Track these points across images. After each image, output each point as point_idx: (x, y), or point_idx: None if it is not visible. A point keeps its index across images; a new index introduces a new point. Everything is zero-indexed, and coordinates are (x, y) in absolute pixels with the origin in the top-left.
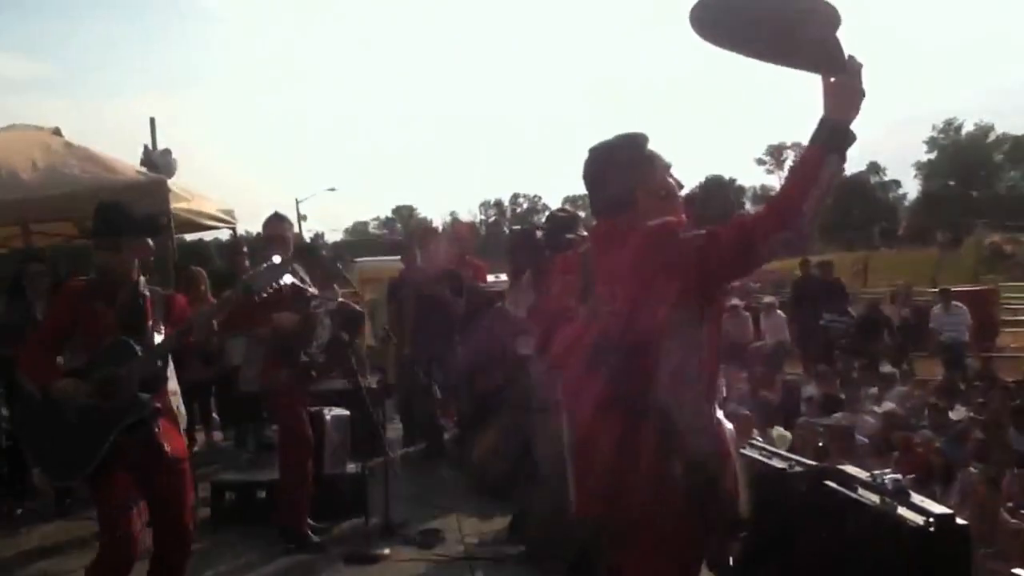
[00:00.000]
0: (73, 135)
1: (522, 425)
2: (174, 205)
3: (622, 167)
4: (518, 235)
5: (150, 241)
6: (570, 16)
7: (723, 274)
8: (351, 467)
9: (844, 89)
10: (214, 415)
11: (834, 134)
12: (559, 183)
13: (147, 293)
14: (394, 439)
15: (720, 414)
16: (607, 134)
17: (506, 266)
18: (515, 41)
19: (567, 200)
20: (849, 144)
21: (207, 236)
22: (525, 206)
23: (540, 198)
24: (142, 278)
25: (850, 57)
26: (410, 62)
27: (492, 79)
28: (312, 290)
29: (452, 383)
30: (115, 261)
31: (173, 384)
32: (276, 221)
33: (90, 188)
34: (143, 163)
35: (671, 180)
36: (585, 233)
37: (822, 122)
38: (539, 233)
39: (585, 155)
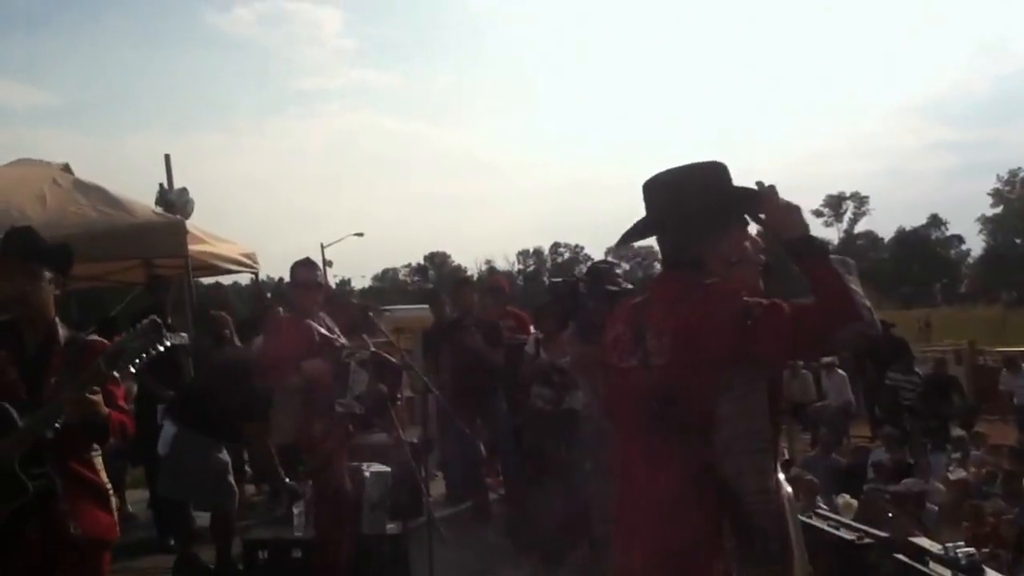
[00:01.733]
0: (84, 171)
1: (576, 485)
2: (192, 247)
3: (692, 221)
4: (560, 286)
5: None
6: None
7: (786, 353)
8: (391, 527)
9: (775, 215)
10: (246, 467)
11: (806, 247)
12: (603, 232)
13: (60, 340)
14: (436, 498)
15: (781, 478)
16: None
17: (541, 316)
18: (556, 84)
19: (610, 251)
20: (823, 244)
21: (225, 279)
22: (567, 256)
23: (582, 248)
24: (56, 320)
25: (758, 185)
26: (443, 99)
27: (533, 121)
28: (341, 340)
29: (497, 440)
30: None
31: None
32: (306, 267)
33: (102, 228)
34: (158, 202)
35: (747, 243)
36: (628, 285)
37: (788, 245)
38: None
39: (649, 184)
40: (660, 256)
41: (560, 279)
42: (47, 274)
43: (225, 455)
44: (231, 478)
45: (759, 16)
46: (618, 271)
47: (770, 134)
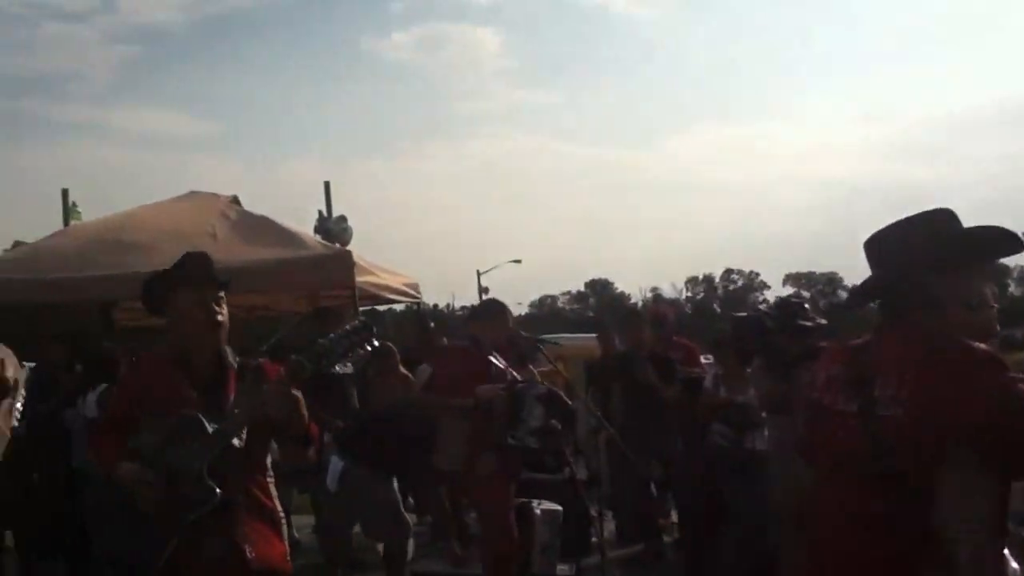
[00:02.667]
0: (244, 199)
1: (759, 531)
2: (359, 279)
3: (924, 263)
4: (746, 321)
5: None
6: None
7: None
8: (562, 568)
9: None
10: (408, 497)
11: None
12: (780, 258)
13: (231, 362)
14: (606, 538)
15: (1007, 553)
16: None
17: (721, 351)
18: (724, 99)
19: (789, 277)
20: None
21: (379, 306)
22: (740, 283)
23: (757, 274)
24: (226, 346)
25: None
26: (604, 118)
27: (701, 139)
28: (514, 374)
29: (670, 479)
30: (171, 324)
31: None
32: (491, 303)
33: (272, 261)
34: (316, 230)
35: (987, 289)
36: (822, 321)
37: None
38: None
39: (872, 240)
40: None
41: (744, 313)
42: (175, 299)
43: (395, 489)
44: (403, 513)
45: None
46: (806, 304)
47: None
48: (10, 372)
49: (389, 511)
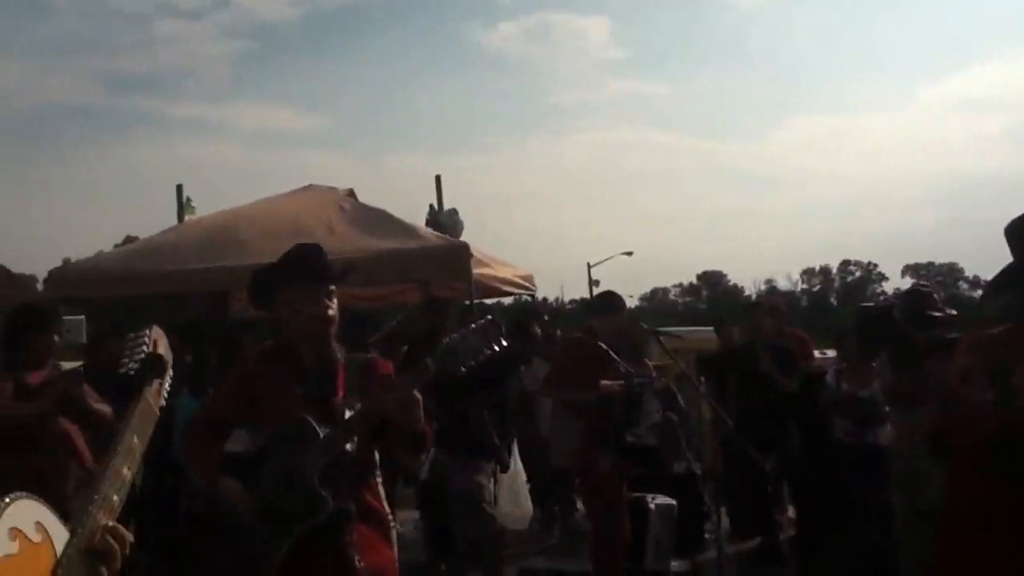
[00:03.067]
0: (357, 193)
1: (883, 529)
2: (475, 271)
3: None
4: (872, 312)
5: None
6: None
7: None
8: (676, 564)
9: None
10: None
11: None
12: (900, 249)
13: (339, 357)
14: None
15: None
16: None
17: (839, 343)
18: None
19: (908, 268)
20: None
21: (488, 299)
22: (857, 275)
23: (876, 266)
24: (332, 341)
25: None
26: (714, 108)
27: (819, 127)
28: (627, 367)
29: (787, 474)
30: (278, 320)
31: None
32: (609, 296)
33: (388, 253)
34: (428, 223)
35: None
36: (952, 311)
37: None
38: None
39: (1012, 227)
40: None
41: (871, 303)
42: (285, 294)
43: (485, 479)
44: (486, 504)
45: None
46: (935, 294)
47: None
48: (162, 350)
49: (466, 501)
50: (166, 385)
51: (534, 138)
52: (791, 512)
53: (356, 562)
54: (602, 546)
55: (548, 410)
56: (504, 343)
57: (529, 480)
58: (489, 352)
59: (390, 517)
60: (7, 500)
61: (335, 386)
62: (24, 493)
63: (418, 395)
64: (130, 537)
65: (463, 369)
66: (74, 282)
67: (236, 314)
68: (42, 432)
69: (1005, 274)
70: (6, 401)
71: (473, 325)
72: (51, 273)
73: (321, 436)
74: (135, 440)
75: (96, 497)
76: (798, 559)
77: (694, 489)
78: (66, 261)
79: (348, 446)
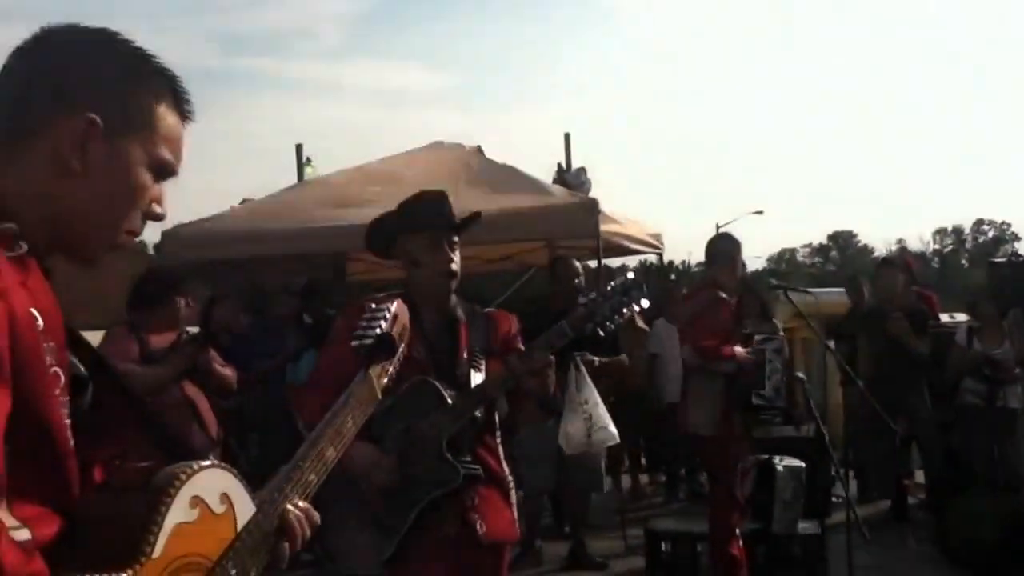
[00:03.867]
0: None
1: (1015, 493)
2: (603, 227)
3: None
4: (1005, 266)
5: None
6: None
7: None
8: (803, 526)
9: None
10: (641, 458)
11: None
12: None
13: (460, 315)
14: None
15: None
16: None
17: (972, 303)
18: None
19: None
20: None
21: (616, 260)
22: (991, 234)
23: (1009, 225)
24: (453, 296)
25: None
26: (852, 60)
27: (951, 77)
28: (751, 326)
29: (918, 437)
30: (411, 272)
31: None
32: (725, 240)
33: (514, 209)
34: (555, 183)
35: None
36: None
37: None
38: None
39: None
40: None
41: (1004, 258)
42: (405, 242)
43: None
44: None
45: None
46: None
47: None
48: (399, 329)
49: (541, 458)
50: (392, 369)
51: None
52: (920, 476)
53: (479, 527)
54: (720, 507)
55: (671, 373)
56: (647, 303)
57: (651, 444)
58: (628, 313)
59: (510, 478)
60: (195, 467)
61: (458, 345)
62: (217, 462)
63: (552, 358)
64: (317, 520)
65: (601, 333)
66: (189, 243)
67: (355, 276)
68: (167, 396)
69: None
70: (133, 363)
71: (613, 284)
72: (164, 234)
73: (449, 400)
74: (349, 423)
75: (293, 475)
76: (928, 523)
77: (823, 452)
78: (179, 225)
79: (477, 412)
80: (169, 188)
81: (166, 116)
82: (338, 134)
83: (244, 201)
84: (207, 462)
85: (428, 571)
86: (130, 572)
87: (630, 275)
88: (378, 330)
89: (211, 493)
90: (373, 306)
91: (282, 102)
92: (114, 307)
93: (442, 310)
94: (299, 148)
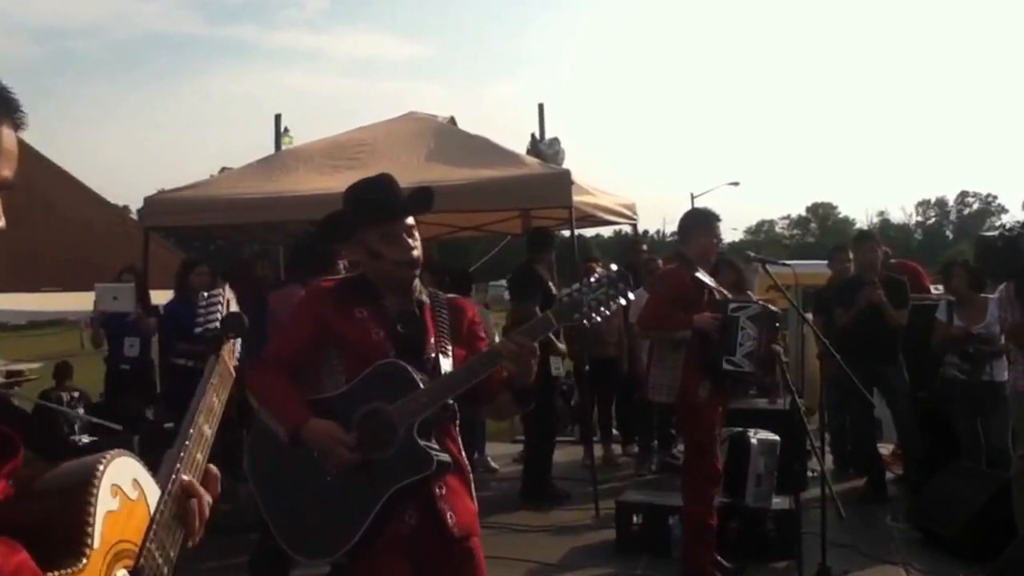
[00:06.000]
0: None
1: (994, 468)
2: (577, 198)
3: None
4: (994, 240)
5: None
6: None
7: None
8: (777, 501)
9: None
10: (614, 429)
11: None
12: (1018, 180)
13: (425, 299)
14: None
15: None
16: None
17: (949, 276)
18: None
19: None
20: None
21: (590, 229)
22: (975, 206)
23: (995, 197)
24: (416, 280)
25: None
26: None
27: (934, 50)
28: (726, 293)
29: (895, 411)
30: (371, 264)
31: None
32: (709, 219)
33: (489, 179)
34: (529, 152)
35: None
36: None
37: None
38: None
39: None
40: None
41: (994, 232)
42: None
43: None
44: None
45: None
46: None
47: None
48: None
49: None
50: (239, 344)
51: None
52: (897, 450)
53: (449, 518)
54: (695, 478)
55: (646, 343)
56: (632, 296)
57: (623, 414)
58: (614, 305)
59: (469, 468)
60: (108, 457)
61: (425, 329)
62: (122, 450)
63: (536, 348)
64: (208, 498)
65: (587, 323)
66: (169, 210)
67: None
68: None
69: None
70: None
71: (596, 276)
72: (147, 200)
73: (420, 384)
74: (215, 399)
75: (182, 455)
76: (904, 499)
77: (798, 425)
78: (161, 191)
79: (452, 396)
80: (153, 157)
81: (8, 136)
82: (317, 104)
83: (223, 170)
84: (114, 451)
85: (394, 564)
86: (82, 564)
87: (613, 267)
88: (218, 313)
89: (125, 480)
90: (206, 295)
91: (264, 71)
92: (98, 266)
93: (405, 296)
94: (278, 118)
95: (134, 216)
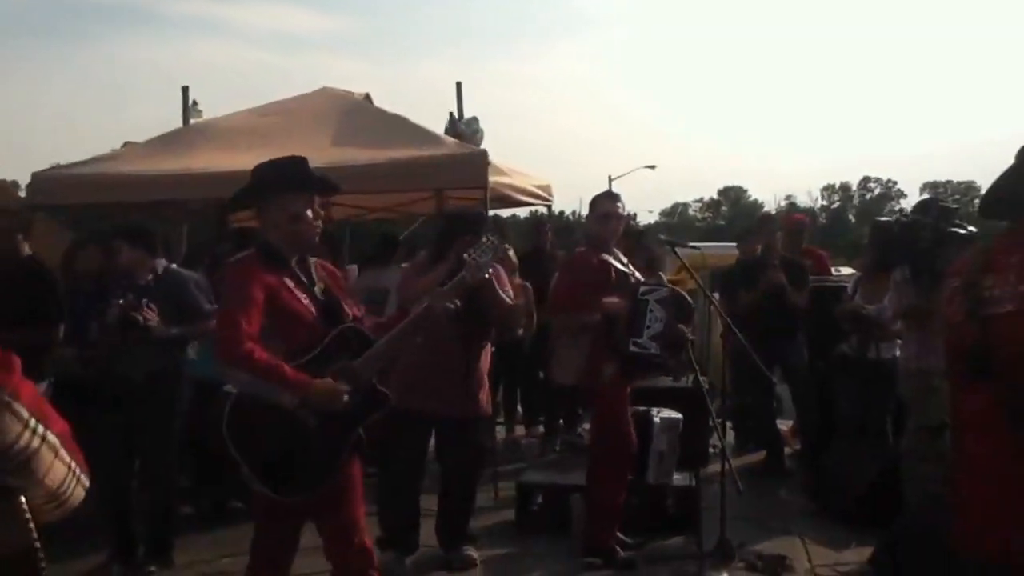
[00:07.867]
0: (375, 100)
1: (884, 443)
2: (491, 179)
3: None
4: (891, 225)
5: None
6: None
7: None
8: (678, 477)
9: None
10: (518, 408)
11: None
12: (921, 167)
13: (311, 266)
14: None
15: None
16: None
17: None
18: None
19: (927, 186)
20: None
21: (506, 211)
22: (877, 192)
23: (895, 183)
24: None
25: None
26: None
27: (845, 42)
28: (636, 275)
29: (793, 388)
30: (275, 236)
31: None
32: (606, 199)
33: (403, 159)
34: (447, 131)
35: None
36: (973, 229)
37: None
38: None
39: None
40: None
41: (891, 218)
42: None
43: None
44: None
45: None
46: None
47: None
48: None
49: None
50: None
51: (561, 45)
52: (795, 425)
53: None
54: (602, 458)
55: None
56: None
57: (528, 395)
58: (492, 271)
59: None
60: None
61: (337, 290)
62: None
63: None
64: None
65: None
66: (60, 187)
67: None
68: None
69: (993, 187)
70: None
71: (483, 240)
72: (34, 176)
73: (375, 345)
74: None
75: None
76: (801, 473)
77: (701, 403)
78: (55, 167)
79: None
80: (48, 131)
81: None
82: (230, 77)
83: (126, 144)
84: None
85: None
86: None
87: (489, 236)
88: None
89: None
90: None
91: (165, 41)
92: None
93: (304, 263)
94: (185, 91)
95: (22, 193)
